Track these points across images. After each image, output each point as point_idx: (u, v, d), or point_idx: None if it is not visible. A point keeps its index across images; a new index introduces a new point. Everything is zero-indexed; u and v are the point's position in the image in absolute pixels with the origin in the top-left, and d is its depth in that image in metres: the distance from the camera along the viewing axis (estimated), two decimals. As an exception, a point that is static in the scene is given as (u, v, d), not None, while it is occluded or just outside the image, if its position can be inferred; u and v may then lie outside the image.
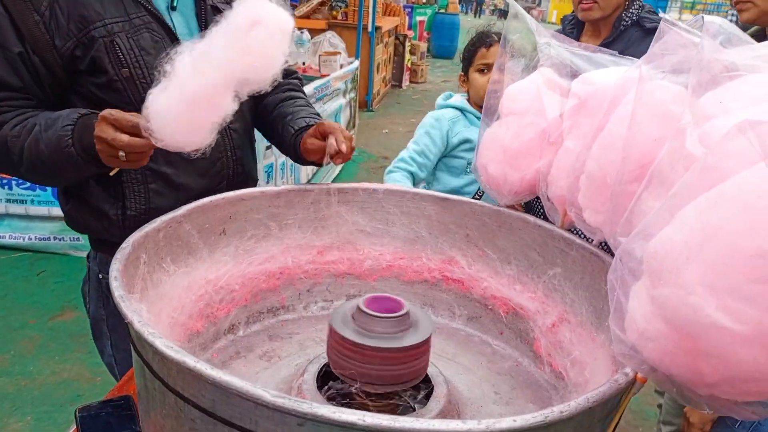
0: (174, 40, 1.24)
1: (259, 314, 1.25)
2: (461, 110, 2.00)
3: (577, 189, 1.01)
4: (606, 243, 1.00)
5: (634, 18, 1.87)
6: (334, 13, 7.50)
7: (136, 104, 1.13)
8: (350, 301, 0.94)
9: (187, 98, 0.99)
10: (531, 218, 1.20)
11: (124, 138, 1.02)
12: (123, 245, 0.90)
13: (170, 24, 1.26)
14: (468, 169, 1.99)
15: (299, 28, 5.95)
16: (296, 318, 1.29)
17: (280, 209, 1.25)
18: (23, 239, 3.44)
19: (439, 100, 2.08)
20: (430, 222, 1.30)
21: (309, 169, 4.64)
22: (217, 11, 1.28)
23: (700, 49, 0.69)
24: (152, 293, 0.96)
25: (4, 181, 3.34)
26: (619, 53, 1.81)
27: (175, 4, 1.29)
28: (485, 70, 1.92)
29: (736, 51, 0.70)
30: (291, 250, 1.27)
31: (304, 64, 5.26)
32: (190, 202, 1.10)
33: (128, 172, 1.26)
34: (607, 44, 1.86)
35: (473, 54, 1.97)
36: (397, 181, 1.94)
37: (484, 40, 1.94)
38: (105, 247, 1.36)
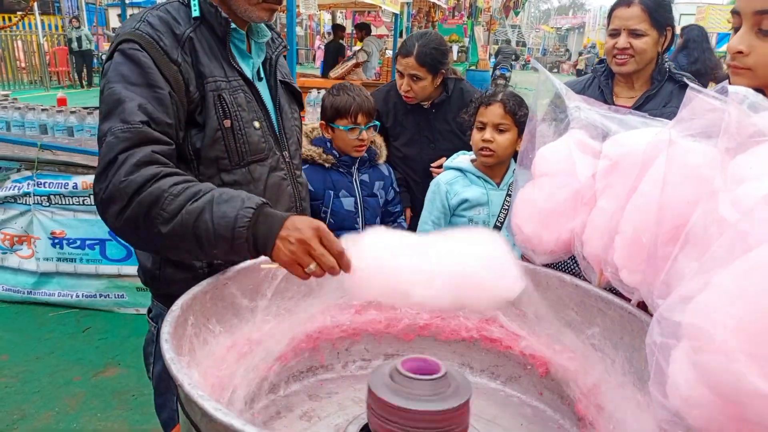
0: (259, 102, 1.40)
1: (299, 373, 1.26)
2: (462, 170, 2.03)
3: (613, 249, 1.02)
4: (644, 303, 1.00)
5: (667, 72, 1.95)
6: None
7: (230, 155, 1.32)
8: (388, 363, 0.95)
9: (388, 273, 0.96)
10: (567, 277, 1.20)
11: (331, 261, 0.98)
12: (172, 308, 0.95)
13: (258, 89, 1.41)
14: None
15: (335, 89, 6.18)
16: (335, 377, 1.30)
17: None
18: (71, 296, 3.57)
19: (447, 162, 2.11)
20: (467, 280, 1.31)
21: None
22: (284, 84, 1.52)
23: (728, 115, 0.71)
24: (199, 353, 1.00)
25: (56, 241, 3.49)
26: (663, 107, 1.85)
27: (261, 76, 1.46)
28: (481, 128, 1.94)
29: (763, 116, 0.71)
30: (330, 309, 1.29)
31: (339, 123, 5.43)
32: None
33: None
34: (648, 97, 1.92)
35: (474, 112, 1.99)
36: None
37: (484, 99, 1.97)
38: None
